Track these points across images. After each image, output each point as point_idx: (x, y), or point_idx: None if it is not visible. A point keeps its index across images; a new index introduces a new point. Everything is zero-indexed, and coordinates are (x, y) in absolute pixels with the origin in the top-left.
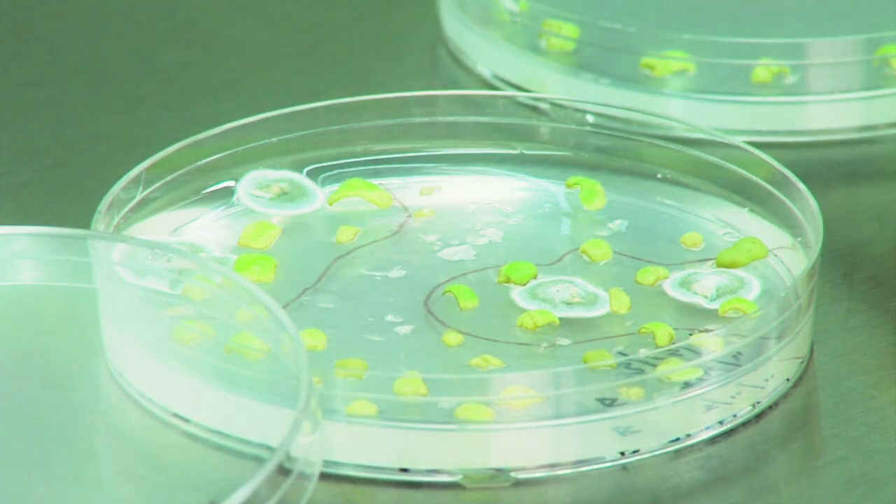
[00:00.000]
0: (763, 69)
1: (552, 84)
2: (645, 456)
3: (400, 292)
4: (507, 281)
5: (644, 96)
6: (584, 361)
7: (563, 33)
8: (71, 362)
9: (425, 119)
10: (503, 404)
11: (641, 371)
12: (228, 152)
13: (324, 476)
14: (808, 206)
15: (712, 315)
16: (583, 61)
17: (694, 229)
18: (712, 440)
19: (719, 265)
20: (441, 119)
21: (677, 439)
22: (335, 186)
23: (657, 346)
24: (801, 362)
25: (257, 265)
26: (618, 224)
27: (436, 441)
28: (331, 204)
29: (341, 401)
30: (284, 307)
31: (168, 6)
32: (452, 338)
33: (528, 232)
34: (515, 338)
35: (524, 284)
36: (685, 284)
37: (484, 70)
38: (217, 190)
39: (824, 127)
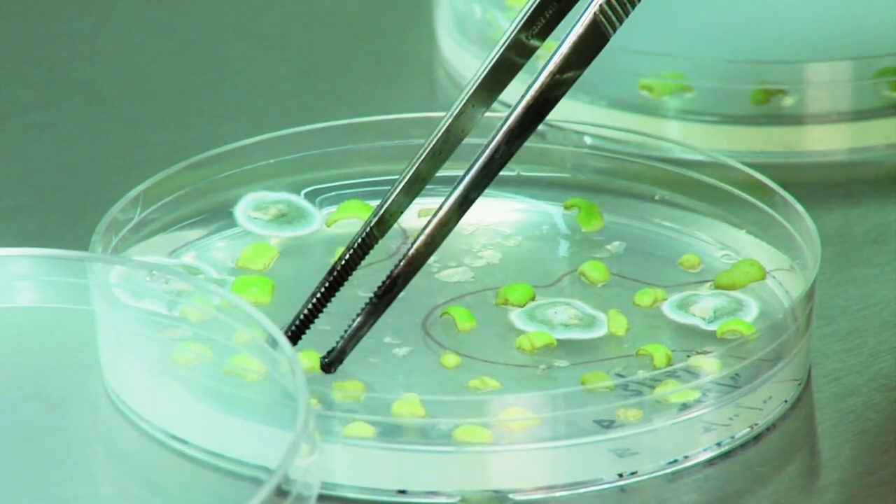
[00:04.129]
0: (761, 91)
1: None
2: (643, 478)
3: (398, 314)
4: (505, 303)
5: (642, 118)
6: (582, 383)
7: None
8: (69, 384)
9: (423, 141)
10: (501, 426)
11: (639, 393)
12: (226, 174)
13: (322, 498)
14: (805, 228)
15: (710, 337)
16: (581, 83)
17: (692, 251)
18: (710, 462)
19: (717, 287)
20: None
21: (675, 461)
22: (333, 208)
23: (655, 368)
24: (799, 384)
25: (255, 287)
26: (616, 246)
27: (434, 463)
28: (329, 225)
29: (339, 422)
30: (282, 329)
31: (166, 28)
32: (450, 359)
33: (526, 254)
34: (513, 359)
35: (522, 306)
36: (683, 306)
37: None
38: (215, 212)
39: (822, 148)
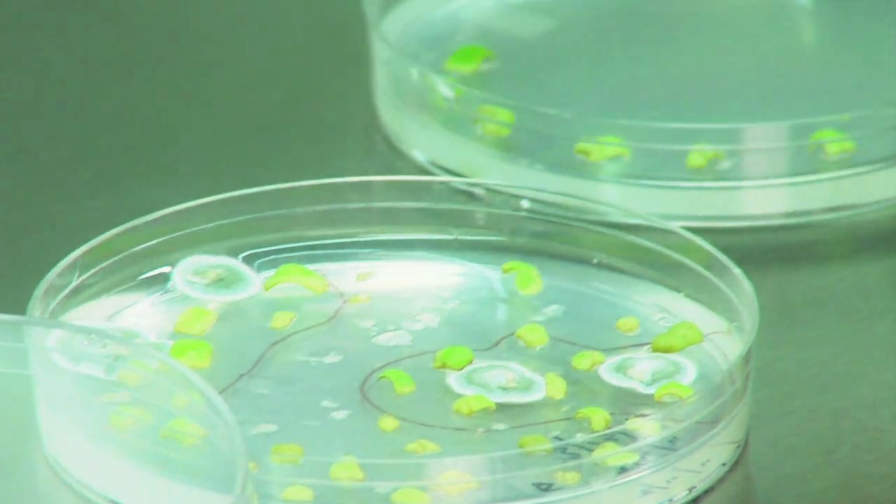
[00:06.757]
0: (698, 154)
1: (488, 169)
2: None
3: (336, 377)
4: (443, 366)
5: (579, 181)
6: (520, 446)
7: (499, 119)
8: (7, 449)
9: (361, 205)
10: (439, 489)
11: (578, 456)
12: (165, 238)
13: None
14: (743, 291)
15: (648, 400)
16: (518, 147)
17: (630, 314)
18: None
19: (655, 350)
20: (377, 205)
21: None
22: (271, 272)
23: (593, 431)
24: (738, 447)
25: (193, 351)
26: (553, 309)
27: None
28: (267, 290)
29: (277, 486)
30: (220, 393)
31: (104, 91)
32: (388, 423)
33: (464, 317)
34: (451, 423)
35: (460, 369)
36: (621, 369)
37: (419, 155)
38: (153, 276)
39: (759, 212)
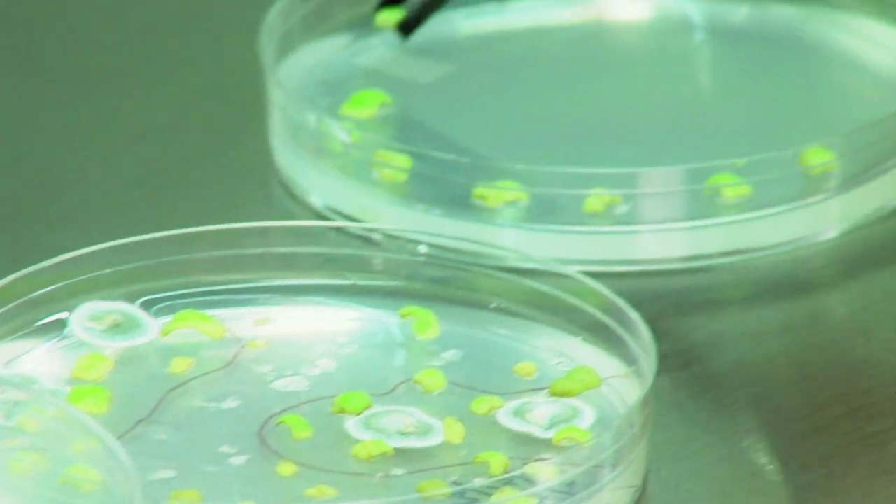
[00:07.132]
0: (595, 199)
1: (385, 214)
2: None
3: (234, 423)
4: (341, 411)
5: (477, 226)
6: (419, 491)
7: (396, 164)
8: None
9: (258, 250)
10: None
11: (476, 500)
12: (61, 284)
13: None
14: (641, 335)
15: (546, 444)
16: (415, 191)
17: (527, 358)
18: None
19: (553, 394)
20: (274, 250)
21: None
22: (169, 317)
23: (491, 476)
24: (636, 491)
25: (90, 397)
26: (451, 354)
27: None
28: (164, 335)
29: None
30: (118, 438)
31: (1, 137)
32: (287, 468)
33: (362, 362)
34: (350, 468)
35: (358, 414)
36: (519, 414)
37: (316, 201)
38: (50, 322)
39: (657, 256)
